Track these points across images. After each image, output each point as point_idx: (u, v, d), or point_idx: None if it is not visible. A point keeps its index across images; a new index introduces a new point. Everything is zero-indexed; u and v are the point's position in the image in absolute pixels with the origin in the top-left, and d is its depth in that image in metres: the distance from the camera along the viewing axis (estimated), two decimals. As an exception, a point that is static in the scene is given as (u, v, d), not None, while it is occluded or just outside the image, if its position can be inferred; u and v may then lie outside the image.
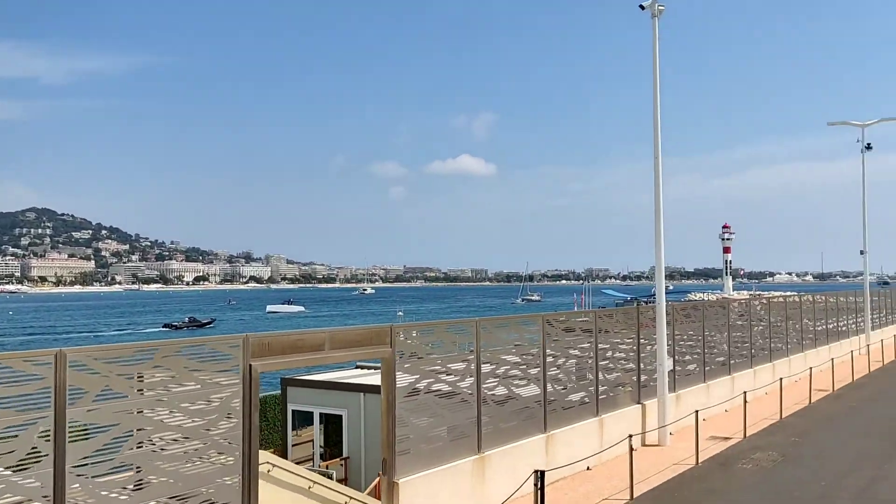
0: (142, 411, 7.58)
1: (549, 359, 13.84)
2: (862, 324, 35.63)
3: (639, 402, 16.49)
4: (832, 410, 20.67)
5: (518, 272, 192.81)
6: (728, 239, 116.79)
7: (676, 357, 18.56)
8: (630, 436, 12.56)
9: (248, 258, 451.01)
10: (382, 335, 10.02)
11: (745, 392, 17.82)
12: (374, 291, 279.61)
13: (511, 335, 12.95)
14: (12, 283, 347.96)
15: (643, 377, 16.84)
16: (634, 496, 12.47)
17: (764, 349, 24.02)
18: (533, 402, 13.12)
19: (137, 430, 7.57)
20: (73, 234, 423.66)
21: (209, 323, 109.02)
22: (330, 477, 12.52)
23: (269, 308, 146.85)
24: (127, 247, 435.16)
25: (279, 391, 16.29)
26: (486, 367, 12.07)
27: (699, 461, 14.76)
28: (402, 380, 10.33)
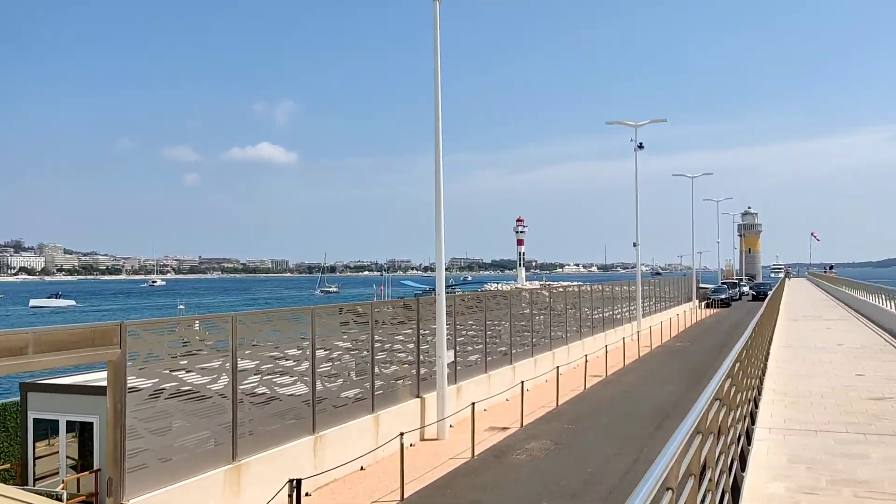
0: None
1: (322, 353, 12.96)
2: (635, 311, 38.27)
3: (418, 396, 16.07)
4: (604, 395, 21.62)
5: (320, 263, 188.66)
6: (521, 232, 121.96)
7: (458, 348, 18.42)
8: (401, 433, 11.99)
9: (18, 247, 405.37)
10: (109, 335, 8.57)
11: (522, 382, 18.02)
12: (164, 283, 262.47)
13: (275, 331, 11.88)
14: None
15: (424, 370, 16.44)
16: (406, 495, 11.92)
17: (545, 338, 24.77)
18: (301, 401, 12.16)
19: None
20: None
21: None
22: (59, 498, 10.79)
23: (33, 303, 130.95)
24: None
25: (18, 397, 14.07)
26: (247, 365, 10.94)
27: (475, 454, 14.57)
28: (138, 384, 8.95)
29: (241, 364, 10.88)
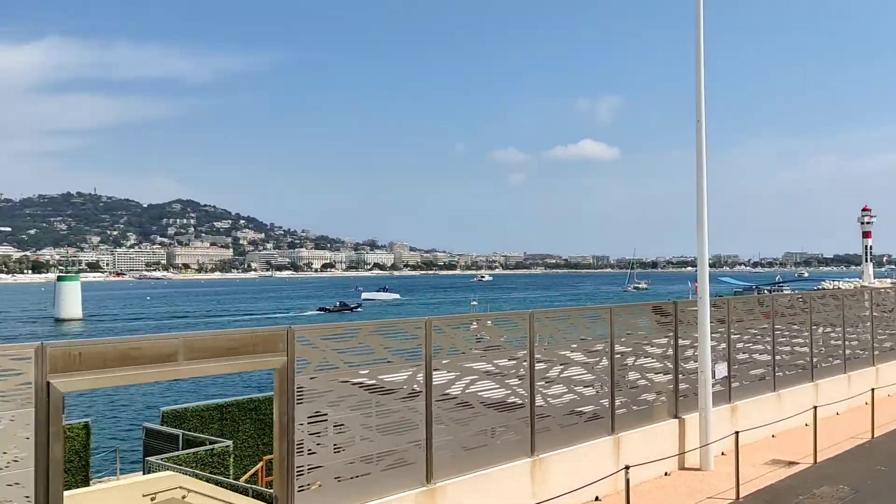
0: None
1: (543, 364, 11.53)
2: None
3: (676, 417, 13.77)
4: (945, 428, 16.91)
5: (641, 259, 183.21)
6: (868, 222, 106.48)
7: (736, 361, 15.60)
8: (626, 466, 10.07)
9: (373, 246, 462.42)
10: (273, 341, 8.13)
11: (815, 406, 14.61)
12: (491, 279, 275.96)
13: (469, 337, 10.74)
14: (159, 270, 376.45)
15: (684, 385, 14.07)
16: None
17: (865, 350, 20.25)
18: (516, 418, 10.86)
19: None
20: (215, 223, 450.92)
21: (357, 307, 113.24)
22: None
23: (365, 295, 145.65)
24: (262, 235, 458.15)
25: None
26: (437, 377, 9.96)
27: (740, 495, 11.94)
28: (308, 394, 8.42)
29: (437, 376, 9.95)
